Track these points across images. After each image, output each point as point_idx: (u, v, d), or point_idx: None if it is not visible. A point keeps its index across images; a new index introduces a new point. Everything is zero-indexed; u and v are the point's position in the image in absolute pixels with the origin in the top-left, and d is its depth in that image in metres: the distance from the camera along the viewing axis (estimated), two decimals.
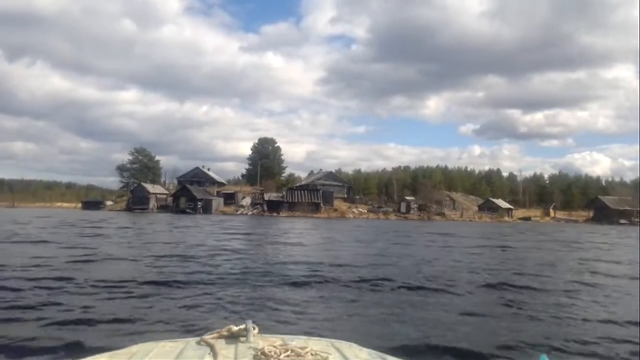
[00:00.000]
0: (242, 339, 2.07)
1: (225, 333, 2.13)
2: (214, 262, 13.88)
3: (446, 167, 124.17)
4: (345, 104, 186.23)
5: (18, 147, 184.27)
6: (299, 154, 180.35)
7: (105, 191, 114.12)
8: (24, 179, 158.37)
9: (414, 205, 78.20)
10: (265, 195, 78.21)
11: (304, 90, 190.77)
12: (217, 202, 77.65)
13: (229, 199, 79.59)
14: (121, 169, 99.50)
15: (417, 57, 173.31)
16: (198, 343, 2.04)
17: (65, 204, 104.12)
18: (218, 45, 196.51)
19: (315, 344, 2.02)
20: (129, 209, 78.06)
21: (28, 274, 10.47)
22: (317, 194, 76.39)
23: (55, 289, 8.84)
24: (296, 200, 75.28)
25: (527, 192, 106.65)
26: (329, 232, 34.51)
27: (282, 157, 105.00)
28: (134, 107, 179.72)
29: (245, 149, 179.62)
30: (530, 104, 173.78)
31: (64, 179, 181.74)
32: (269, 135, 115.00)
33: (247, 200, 78.39)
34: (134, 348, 2.01)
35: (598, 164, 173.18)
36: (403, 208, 77.57)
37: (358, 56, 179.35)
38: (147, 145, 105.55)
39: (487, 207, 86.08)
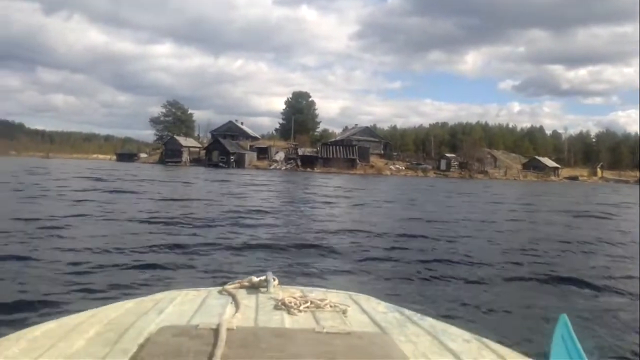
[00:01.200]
0: (262, 289, 2.07)
1: (246, 283, 2.14)
2: (242, 221, 12.55)
3: (486, 124, 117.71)
4: (380, 59, 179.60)
5: (59, 99, 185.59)
6: (333, 109, 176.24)
7: (141, 144, 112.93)
8: (64, 130, 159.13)
9: (454, 163, 73.49)
10: (299, 150, 74.63)
11: (338, 45, 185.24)
12: (250, 157, 74.51)
13: (262, 153, 76.32)
14: (155, 121, 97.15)
15: (455, 10, 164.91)
16: (220, 292, 2.06)
17: (101, 156, 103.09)
18: None
19: (334, 296, 2.03)
20: (162, 161, 75.75)
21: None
22: (352, 150, 72.37)
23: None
24: (331, 156, 71.51)
25: (572, 151, 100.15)
26: (368, 189, 30.79)
27: (316, 111, 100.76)
28: (169, 61, 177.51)
29: (279, 104, 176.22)
30: (574, 60, 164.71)
31: (103, 131, 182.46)
32: (302, 90, 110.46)
33: (280, 155, 75.01)
34: (158, 295, 2.05)
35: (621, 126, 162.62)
36: (443, 165, 73.00)
37: (394, 9, 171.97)
38: (182, 99, 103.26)
39: (532, 166, 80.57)
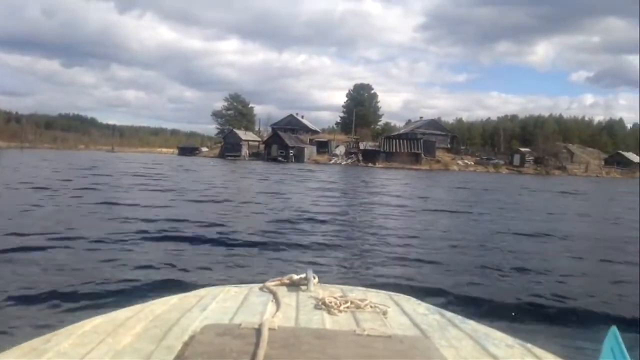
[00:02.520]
0: (302, 287, 2.06)
1: (286, 281, 2.12)
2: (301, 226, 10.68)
3: (560, 116, 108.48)
4: (446, 51, 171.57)
5: (130, 95, 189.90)
6: (395, 103, 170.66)
7: (205, 138, 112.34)
8: (133, 125, 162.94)
9: (529, 158, 66.86)
10: (360, 144, 70.21)
11: (402, 37, 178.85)
12: (310, 151, 70.81)
13: (322, 147, 72.42)
14: (217, 115, 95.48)
15: (527, 0, 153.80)
16: (261, 289, 2.06)
17: (164, 150, 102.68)
18: None
19: (374, 296, 2.00)
20: (222, 155, 73.48)
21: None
22: (417, 144, 67.19)
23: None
24: (394, 150, 66.67)
25: None
26: (441, 187, 26.19)
27: (379, 104, 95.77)
28: (235, 56, 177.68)
29: (340, 98, 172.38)
30: None
31: (170, 125, 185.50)
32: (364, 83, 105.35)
33: (341, 149, 70.87)
34: (202, 291, 2.06)
35: None
36: (516, 160, 66.60)
37: (462, 0, 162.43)
38: (245, 94, 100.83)
39: (615, 161, 72.53)
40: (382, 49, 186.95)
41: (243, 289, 2.10)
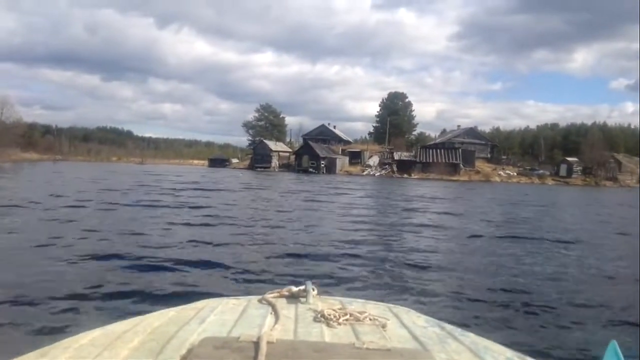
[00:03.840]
0: (302, 299, 2.02)
1: (285, 293, 2.09)
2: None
3: (605, 124, 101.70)
4: (481, 60, 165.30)
5: (166, 108, 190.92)
6: (429, 113, 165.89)
7: (237, 149, 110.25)
8: (169, 137, 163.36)
9: (576, 168, 61.40)
10: (394, 154, 65.97)
11: (436, 47, 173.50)
12: (342, 161, 66.98)
13: (355, 157, 68.50)
14: (248, 126, 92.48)
15: (563, 6, 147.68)
16: (260, 302, 2.03)
17: (195, 161, 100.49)
18: (350, 4, 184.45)
19: (373, 309, 1.98)
20: (251, 167, 70.40)
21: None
22: (455, 153, 62.56)
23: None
24: (430, 160, 62.22)
25: None
26: (484, 201, 21.97)
27: (413, 113, 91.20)
28: (269, 69, 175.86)
29: (373, 108, 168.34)
30: None
31: (204, 137, 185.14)
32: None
33: (374, 160, 66.80)
34: (200, 303, 2.03)
35: None
36: (563, 171, 61.23)
37: (496, 8, 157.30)
38: (279, 105, 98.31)
39: None
40: (416, 59, 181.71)
41: (242, 301, 2.06)
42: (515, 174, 61.80)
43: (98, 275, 6.25)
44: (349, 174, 62.30)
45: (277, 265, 7.45)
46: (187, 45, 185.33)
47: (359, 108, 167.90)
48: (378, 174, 61.84)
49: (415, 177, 59.21)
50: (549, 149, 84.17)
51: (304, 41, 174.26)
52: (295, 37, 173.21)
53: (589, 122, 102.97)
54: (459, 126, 77.61)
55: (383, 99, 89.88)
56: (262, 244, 9.37)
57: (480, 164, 63.96)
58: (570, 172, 60.75)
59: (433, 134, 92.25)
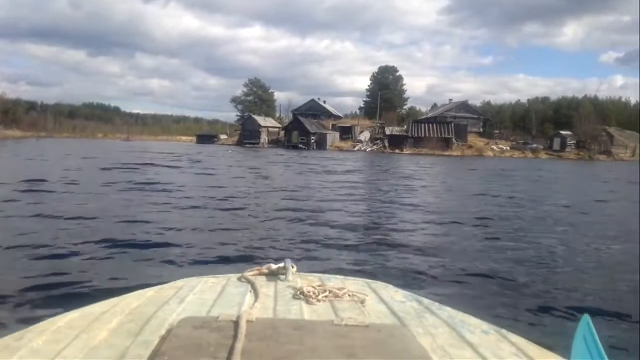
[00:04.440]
0: (281, 276, 2.02)
1: (265, 270, 2.08)
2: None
3: (596, 98, 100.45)
4: (471, 34, 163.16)
5: (154, 83, 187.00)
6: (420, 87, 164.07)
7: (227, 125, 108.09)
8: (157, 113, 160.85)
9: (570, 142, 60.18)
10: (386, 129, 64.31)
11: (426, 21, 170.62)
12: (333, 137, 65.24)
13: (346, 133, 66.75)
14: (236, 101, 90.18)
15: None
16: (239, 279, 2.02)
17: (183, 137, 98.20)
18: None
19: (352, 284, 1.98)
20: (240, 143, 68.49)
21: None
22: (447, 128, 61.01)
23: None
24: (422, 135, 60.66)
25: None
26: (482, 176, 20.51)
27: (404, 87, 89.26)
28: (258, 43, 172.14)
29: (363, 83, 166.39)
30: None
31: (193, 114, 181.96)
32: None
33: (365, 135, 65.11)
34: (179, 282, 2.00)
35: None
36: (556, 145, 59.99)
37: None
38: (268, 80, 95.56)
39: None
40: (406, 33, 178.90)
41: (221, 279, 2.03)
42: (508, 148, 60.52)
43: (71, 256, 5.89)
44: (340, 149, 60.67)
45: (256, 242, 7.12)
46: (174, 20, 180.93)
47: (348, 83, 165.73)
48: (369, 149, 60.27)
49: (407, 152, 57.72)
50: (540, 122, 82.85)
51: (293, 15, 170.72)
52: (284, 10, 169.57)
53: (579, 96, 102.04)
54: (450, 100, 75.83)
55: (374, 73, 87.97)
56: (241, 222, 8.95)
57: (472, 139, 62.56)
58: (563, 145, 59.59)
59: (424, 108, 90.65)
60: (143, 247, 6.55)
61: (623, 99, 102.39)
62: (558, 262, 6.64)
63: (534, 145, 60.05)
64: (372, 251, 6.89)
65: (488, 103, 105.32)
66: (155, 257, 6.06)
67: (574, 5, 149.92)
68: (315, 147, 61.81)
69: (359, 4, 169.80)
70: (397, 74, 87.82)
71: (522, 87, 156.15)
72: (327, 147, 62.04)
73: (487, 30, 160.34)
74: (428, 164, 35.42)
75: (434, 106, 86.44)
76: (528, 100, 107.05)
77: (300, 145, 61.77)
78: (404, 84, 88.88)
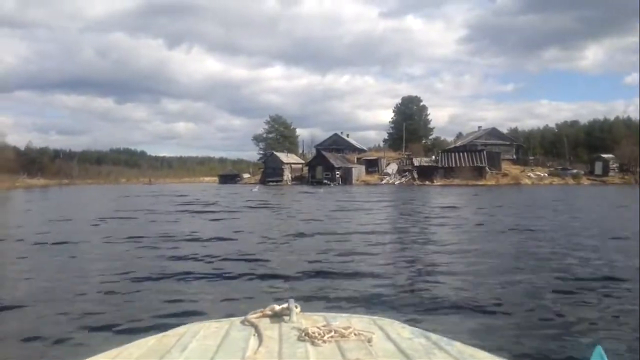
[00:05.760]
0: (285, 318, 1.93)
1: (268, 312, 2.00)
2: None
3: (629, 119, 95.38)
4: (491, 62, 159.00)
5: (180, 127, 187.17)
6: (442, 118, 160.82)
7: (251, 164, 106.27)
8: (182, 156, 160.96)
9: (613, 165, 55.41)
10: (414, 160, 60.56)
11: (445, 51, 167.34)
12: (358, 171, 61.70)
13: (372, 166, 63.18)
14: (257, 139, 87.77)
15: (572, 4, 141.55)
16: (242, 323, 1.94)
17: (206, 178, 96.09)
18: (358, 13, 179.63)
19: (358, 322, 1.91)
20: (263, 181, 65.47)
21: None
22: (479, 156, 56.94)
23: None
24: (453, 165, 56.71)
25: None
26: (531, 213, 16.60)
27: (429, 117, 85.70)
28: (279, 82, 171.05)
29: (385, 116, 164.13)
30: None
31: (219, 154, 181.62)
32: None
33: (392, 167, 61.43)
34: (181, 329, 1.94)
35: None
36: (598, 169, 55.28)
37: (503, 9, 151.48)
38: (290, 118, 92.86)
39: None
40: (426, 64, 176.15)
41: (224, 323, 1.96)
42: (546, 174, 56.02)
43: (68, 305, 5.57)
44: (367, 183, 57.05)
45: (262, 284, 6.65)
46: (198, 64, 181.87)
47: (371, 116, 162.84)
48: (398, 182, 56.50)
49: (438, 183, 53.77)
50: (573, 147, 78.32)
51: (312, 53, 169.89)
52: (304, 49, 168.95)
53: (607, 118, 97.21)
54: (479, 127, 71.93)
55: (397, 104, 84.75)
56: (249, 262, 8.23)
57: (506, 166, 58.34)
58: (606, 170, 54.86)
59: (449, 138, 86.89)
60: (144, 293, 6.14)
61: None
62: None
63: (574, 171, 55.44)
64: (385, 286, 6.41)
65: (515, 130, 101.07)
66: (157, 301, 5.71)
67: (593, 29, 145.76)
68: (340, 182, 58.35)
69: (377, 38, 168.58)
70: (421, 104, 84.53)
71: (546, 112, 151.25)
72: (353, 181, 58.51)
73: (506, 58, 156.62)
74: (466, 196, 31.46)
75: (460, 135, 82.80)
76: (557, 124, 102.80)
77: (325, 181, 58.39)
78: (429, 114, 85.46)
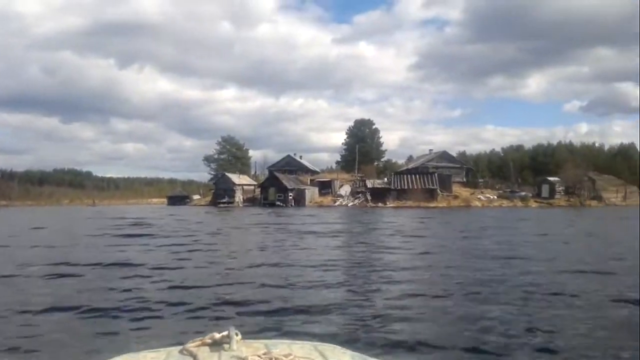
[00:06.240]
0: (225, 346, 1.84)
1: (208, 341, 1.88)
2: None
3: (571, 144, 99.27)
4: (440, 88, 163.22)
5: (129, 147, 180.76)
6: (392, 141, 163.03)
7: (201, 185, 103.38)
8: (130, 177, 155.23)
9: (559, 188, 56.63)
10: (367, 182, 60.04)
11: (396, 77, 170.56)
12: (312, 192, 60.55)
13: (325, 188, 62.18)
14: (209, 160, 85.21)
15: (516, 35, 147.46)
16: (180, 352, 1.83)
17: (154, 200, 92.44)
18: (312, 39, 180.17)
19: (299, 349, 1.85)
20: (213, 203, 63.22)
21: None
22: (431, 178, 56.97)
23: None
24: (406, 187, 56.44)
25: None
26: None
27: (381, 139, 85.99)
28: (232, 104, 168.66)
29: (338, 138, 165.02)
30: None
31: (168, 175, 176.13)
32: None
33: (346, 189, 60.64)
34: None
35: None
36: (545, 192, 56.33)
37: (452, 38, 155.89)
38: (244, 139, 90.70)
39: None
40: (377, 90, 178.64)
41: (160, 353, 1.84)
42: (495, 197, 56.60)
43: None
44: (320, 205, 55.91)
45: (203, 312, 6.44)
46: (150, 84, 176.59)
47: (323, 139, 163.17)
48: (351, 204, 55.65)
49: (391, 205, 53.28)
50: (518, 170, 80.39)
51: (266, 76, 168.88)
52: (258, 72, 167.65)
53: (550, 143, 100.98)
54: (430, 150, 72.51)
55: (350, 127, 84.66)
56: (188, 289, 7.88)
57: (457, 189, 58.64)
58: (552, 192, 55.97)
59: (400, 161, 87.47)
60: (72, 325, 5.86)
61: (597, 144, 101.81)
62: None
63: (523, 193, 56.28)
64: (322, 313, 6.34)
65: (463, 153, 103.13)
66: (89, 331, 5.50)
67: (536, 59, 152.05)
68: (293, 204, 56.97)
69: (330, 63, 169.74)
70: (374, 127, 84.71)
71: (492, 137, 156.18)
72: (307, 203, 57.27)
73: (454, 85, 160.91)
74: (410, 219, 30.83)
75: (410, 158, 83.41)
76: (502, 149, 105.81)
77: (278, 203, 56.87)
78: (381, 137, 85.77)
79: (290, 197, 58.19)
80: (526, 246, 14.60)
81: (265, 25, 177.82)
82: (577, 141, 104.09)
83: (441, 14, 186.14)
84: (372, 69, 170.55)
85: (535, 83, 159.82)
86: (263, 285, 8.35)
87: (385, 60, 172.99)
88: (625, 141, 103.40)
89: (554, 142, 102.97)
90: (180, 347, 1.85)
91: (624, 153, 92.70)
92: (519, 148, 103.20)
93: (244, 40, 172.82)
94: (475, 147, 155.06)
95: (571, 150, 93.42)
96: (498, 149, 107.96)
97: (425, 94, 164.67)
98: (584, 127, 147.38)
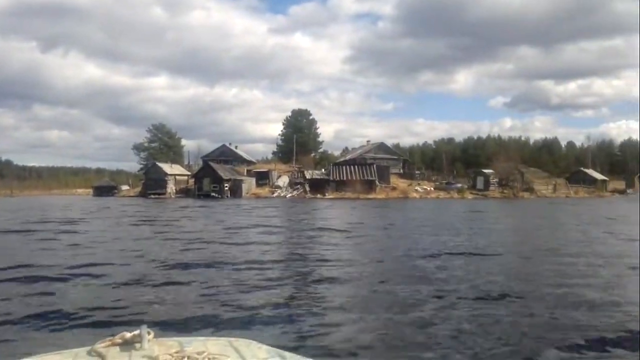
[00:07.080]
0: (136, 345, 1.77)
1: (118, 340, 1.81)
2: None
3: (499, 137, 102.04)
4: (373, 82, 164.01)
5: (53, 135, 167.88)
6: (328, 133, 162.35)
7: (131, 175, 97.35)
8: (54, 166, 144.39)
9: (493, 180, 57.05)
10: (305, 173, 57.94)
11: (331, 70, 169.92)
12: (249, 183, 57.65)
13: (262, 178, 59.47)
14: (138, 148, 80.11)
15: (446, 32, 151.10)
16: (88, 353, 1.75)
17: (80, 190, 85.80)
18: (247, 28, 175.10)
19: (213, 345, 1.82)
20: (144, 194, 58.88)
21: None
22: (370, 170, 55.70)
23: None
24: (345, 178, 54.85)
25: (597, 163, 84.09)
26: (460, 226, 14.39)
27: (318, 130, 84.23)
28: (165, 92, 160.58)
29: (274, 129, 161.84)
30: (563, 74, 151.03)
31: (96, 164, 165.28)
32: None
33: (284, 180, 58.26)
34: None
35: (636, 133, 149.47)
36: (480, 184, 56.55)
37: (385, 33, 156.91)
38: (176, 128, 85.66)
39: (580, 180, 64.63)
40: (313, 81, 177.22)
41: (66, 355, 1.75)
42: (432, 188, 56.21)
43: None
44: (258, 196, 53.19)
45: (115, 312, 5.96)
46: (75, 69, 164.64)
47: (259, 129, 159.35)
48: (289, 195, 53.35)
49: (330, 196, 51.47)
50: (450, 162, 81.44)
51: (200, 64, 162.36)
52: (191, 59, 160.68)
53: (480, 137, 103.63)
54: (368, 141, 71.42)
55: (287, 117, 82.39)
56: (97, 290, 7.33)
57: (394, 180, 57.81)
58: (487, 184, 56.30)
59: (336, 152, 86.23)
60: None
61: (522, 138, 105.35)
62: None
63: (459, 185, 56.25)
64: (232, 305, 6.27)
65: (397, 146, 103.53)
66: None
67: (463, 56, 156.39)
68: (229, 195, 53.92)
69: (266, 53, 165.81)
70: (311, 117, 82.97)
71: (423, 130, 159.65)
72: (244, 194, 54.37)
73: (387, 79, 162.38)
74: (350, 210, 29.09)
75: (346, 149, 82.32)
76: (434, 141, 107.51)
77: (213, 194, 53.59)
78: (318, 127, 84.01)
79: (226, 188, 55.07)
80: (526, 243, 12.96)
81: (199, 12, 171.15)
82: (503, 135, 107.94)
83: (374, 9, 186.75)
84: (308, 61, 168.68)
85: (462, 79, 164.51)
86: (176, 283, 7.85)
87: (320, 52, 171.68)
88: (549, 136, 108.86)
89: (481, 135, 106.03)
90: (88, 348, 1.74)
91: (548, 147, 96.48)
92: (450, 141, 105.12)
93: (176, 27, 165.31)
94: (407, 140, 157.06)
95: (499, 143, 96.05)
96: (430, 141, 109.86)
97: (359, 87, 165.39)
98: (507, 122, 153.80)
